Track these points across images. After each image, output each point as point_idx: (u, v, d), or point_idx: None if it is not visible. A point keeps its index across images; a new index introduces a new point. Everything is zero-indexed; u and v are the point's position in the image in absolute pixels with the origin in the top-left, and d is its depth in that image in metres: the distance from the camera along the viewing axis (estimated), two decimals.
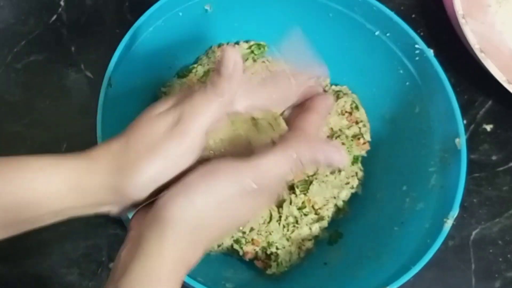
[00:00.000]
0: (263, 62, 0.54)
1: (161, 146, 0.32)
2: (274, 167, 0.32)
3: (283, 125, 0.37)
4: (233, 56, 0.33)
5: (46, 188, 0.31)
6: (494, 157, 0.59)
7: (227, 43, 0.56)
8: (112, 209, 0.34)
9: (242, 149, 0.35)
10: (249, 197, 0.32)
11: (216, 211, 0.31)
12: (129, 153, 0.32)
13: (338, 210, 0.52)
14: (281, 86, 0.39)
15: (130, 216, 0.42)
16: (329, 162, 0.32)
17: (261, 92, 0.37)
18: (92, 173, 0.32)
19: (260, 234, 0.50)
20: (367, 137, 0.55)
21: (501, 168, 0.59)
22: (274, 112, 0.37)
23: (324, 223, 0.51)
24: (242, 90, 0.35)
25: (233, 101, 0.35)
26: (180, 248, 0.30)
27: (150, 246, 0.30)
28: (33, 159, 0.32)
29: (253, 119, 0.35)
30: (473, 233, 0.56)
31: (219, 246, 0.49)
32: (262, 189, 0.32)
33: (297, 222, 0.50)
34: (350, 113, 0.55)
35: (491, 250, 0.56)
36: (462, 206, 0.45)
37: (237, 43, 0.56)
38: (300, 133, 0.36)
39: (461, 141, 0.46)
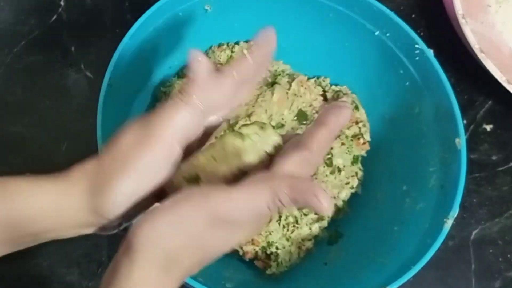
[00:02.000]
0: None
1: (131, 158, 0.31)
2: (247, 202, 0.29)
3: (274, 135, 0.34)
4: (196, 56, 0.32)
5: (28, 210, 0.32)
6: (494, 157, 0.59)
7: (227, 43, 0.56)
8: (95, 230, 0.34)
9: (234, 168, 0.33)
10: (220, 229, 0.30)
11: (185, 241, 0.30)
12: (101, 172, 0.32)
13: (338, 210, 0.52)
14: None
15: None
16: (313, 209, 0.29)
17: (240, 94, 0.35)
18: (69, 195, 0.32)
19: (260, 234, 0.50)
20: (367, 137, 0.55)
21: (501, 168, 0.59)
22: (260, 121, 0.35)
23: (324, 223, 0.51)
24: (221, 97, 0.34)
25: (211, 111, 0.34)
26: (152, 276, 0.30)
27: (123, 272, 0.30)
28: (13, 181, 0.32)
29: (240, 134, 0.33)
30: (473, 233, 0.56)
31: None
32: (233, 222, 0.30)
33: (297, 222, 0.50)
34: None
35: (491, 250, 0.56)
36: (462, 206, 0.45)
37: (237, 43, 0.56)
38: (296, 154, 0.32)
39: (461, 141, 0.46)
